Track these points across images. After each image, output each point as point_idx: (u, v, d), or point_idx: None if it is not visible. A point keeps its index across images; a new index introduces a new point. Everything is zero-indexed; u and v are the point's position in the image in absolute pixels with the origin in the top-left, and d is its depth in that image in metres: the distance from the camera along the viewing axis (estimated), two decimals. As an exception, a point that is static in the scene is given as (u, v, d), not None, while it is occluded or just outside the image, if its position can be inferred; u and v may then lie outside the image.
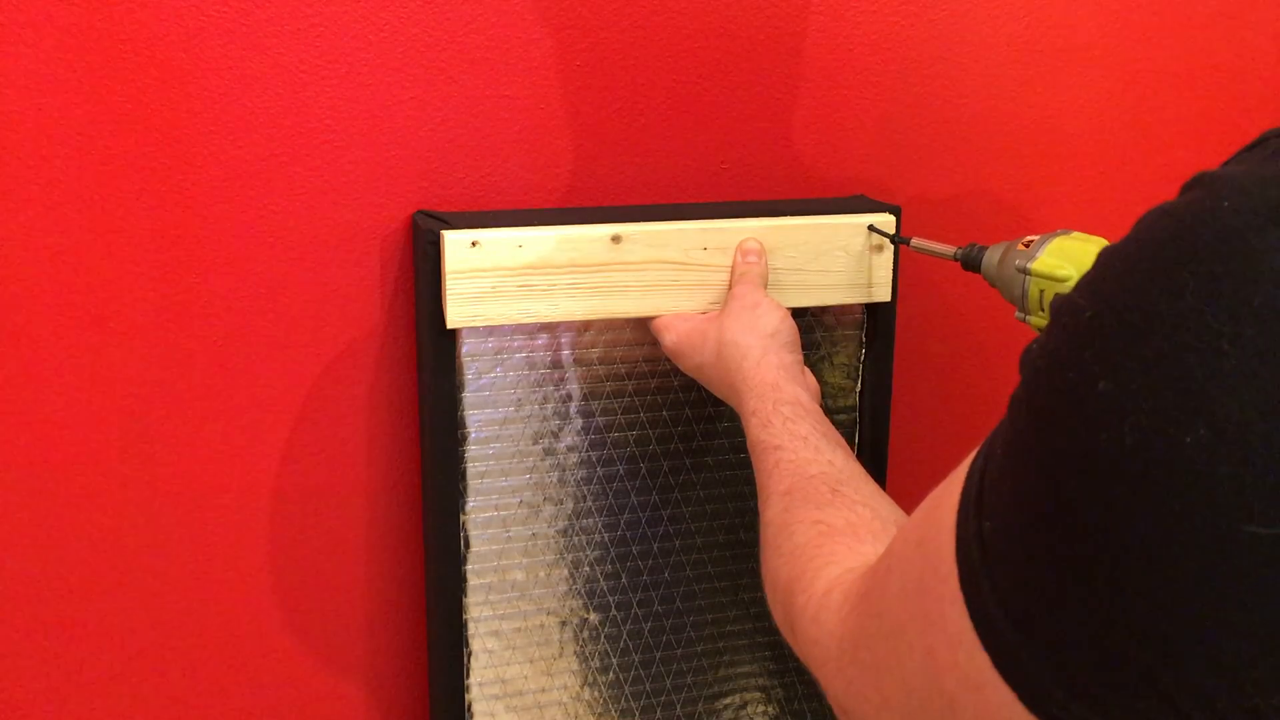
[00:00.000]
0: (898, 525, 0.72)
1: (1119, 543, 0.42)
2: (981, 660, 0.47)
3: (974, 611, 0.47)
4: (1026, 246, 0.85)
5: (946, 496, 0.51)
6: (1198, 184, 0.43)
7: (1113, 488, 0.41)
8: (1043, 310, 0.84)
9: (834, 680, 0.61)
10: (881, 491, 0.77)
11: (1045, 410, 0.45)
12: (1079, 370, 0.43)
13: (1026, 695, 0.45)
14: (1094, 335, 0.43)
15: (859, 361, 1.05)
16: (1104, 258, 0.45)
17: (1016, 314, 0.87)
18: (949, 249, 0.92)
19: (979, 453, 0.50)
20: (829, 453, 0.80)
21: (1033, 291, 0.84)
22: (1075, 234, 0.85)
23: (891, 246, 1.00)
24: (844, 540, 0.69)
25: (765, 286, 0.96)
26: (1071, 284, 0.81)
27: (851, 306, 1.03)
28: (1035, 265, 0.84)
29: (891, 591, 0.55)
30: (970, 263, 0.90)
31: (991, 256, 0.88)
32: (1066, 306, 0.45)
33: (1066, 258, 0.83)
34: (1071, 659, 0.44)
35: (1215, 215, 0.41)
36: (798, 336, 0.91)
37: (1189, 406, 0.40)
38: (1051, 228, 0.91)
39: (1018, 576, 0.45)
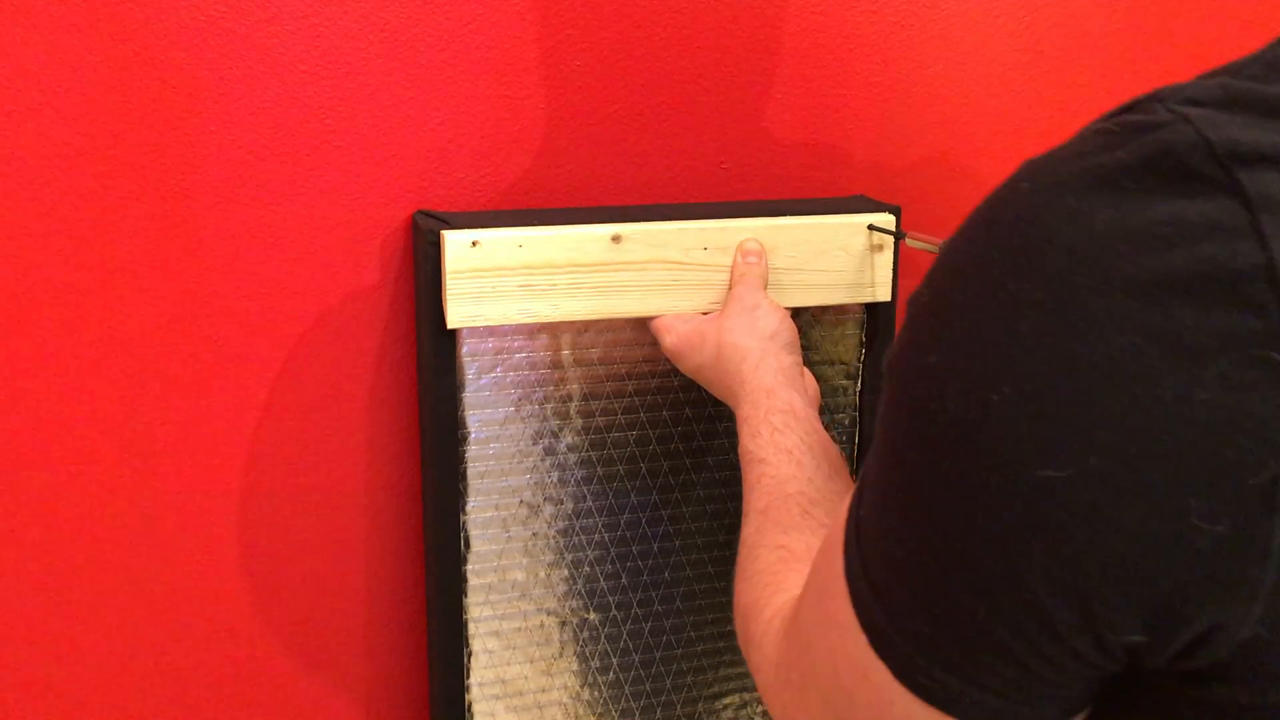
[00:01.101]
0: None
1: (946, 501, 0.45)
2: (863, 644, 0.50)
3: (853, 596, 0.51)
4: None
5: (844, 507, 0.54)
6: (1019, 171, 0.47)
7: (940, 451, 0.45)
8: None
9: (772, 704, 0.63)
10: None
11: (894, 391, 0.49)
12: (915, 349, 0.47)
13: (895, 667, 0.49)
14: (926, 316, 0.48)
15: (859, 361, 1.05)
16: (942, 249, 0.50)
17: None
18: (936, 244, 0.92)
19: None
20: (811, 469, 0.80)
21: None
22: None
23: (892, 246, 1.00)
24: (799, 567, 0.70)
25: (765, 287, 0.96)
26: None
27: (851, 306, 1.03)
28: None
29: (806, 607, 0.57)
30: None
31: None
32: (912, 296, 0.49)
33: None
34: (922, 622, 0.47)
35: (1018, 196, 0.45)
36: (797, 338, 0.91)
37: (995, 368, 0.43)
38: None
39: (878, 551, 0.49)
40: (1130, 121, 0.45)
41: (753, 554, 0.74)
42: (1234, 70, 0.45)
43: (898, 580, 0.48)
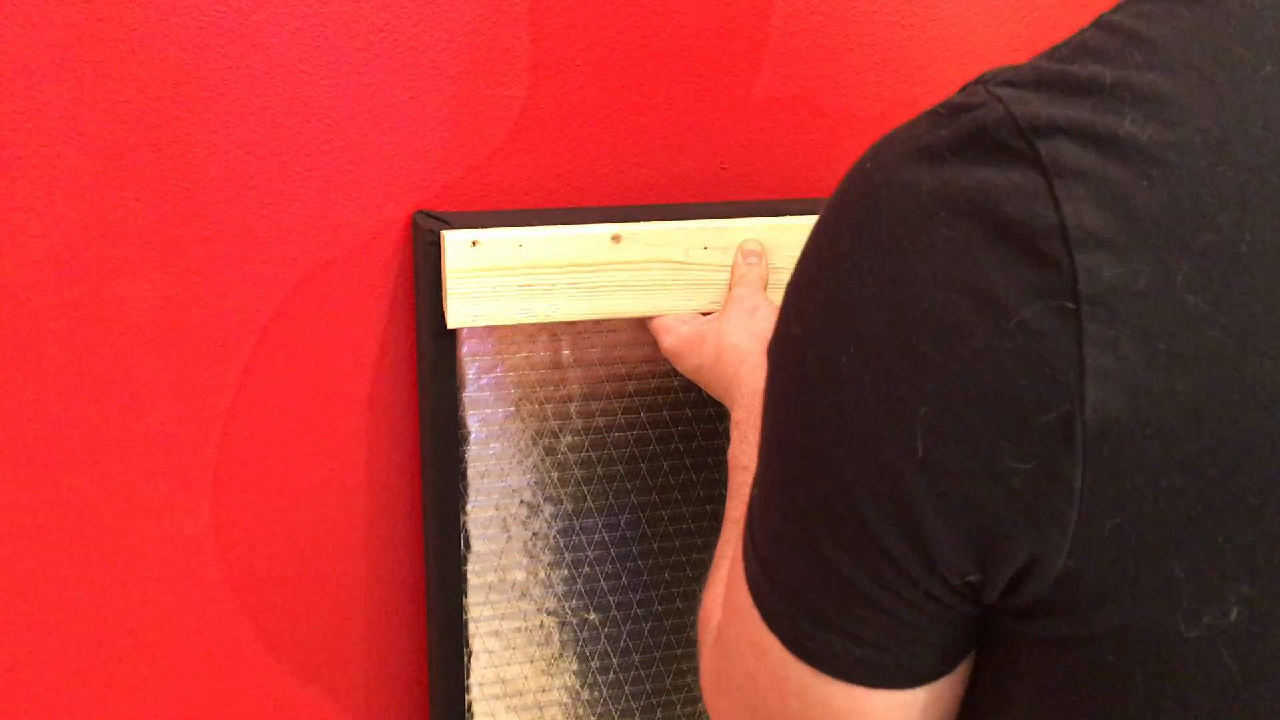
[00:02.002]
0: None
1: (807, 462, 0.49)
2: (756, 620, 0.53)
3: (747, 576, 0.53)
4: None
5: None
6: (871, 149, 0.52)
7: (804, 414, 0.49)
8: None
9: (712, 712, 0.64)
10: None
11: (770, 369, 0.52)
12: (783, 323, 0.51)
13: (784, 635, 0.51)
14: (792, 292, 0.52)
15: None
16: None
17: None
18: None
19: None
20: None
21: None
22: None
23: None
24: None
25: (765, 288, 0.96)
26: None
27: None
28: None
29: (726, 606, 0.59)
30: None
31: None
32: (789, 280, 0.53)
33: None
34: (800, 585, 0.50)
35: (862, 175, 0.50)
36: None
37: (843, 331, 0.47)
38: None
39: (763, 525, 0.52)
40: (955, 104, 0.49)
41: (719, 564, 0.75)
42: (1049, 53, 0.50)
43: (778, 550, 0.51)
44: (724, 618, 0.59)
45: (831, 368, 0.47)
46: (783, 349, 0.51)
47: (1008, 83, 0.47)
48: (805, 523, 0.49)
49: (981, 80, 0.49)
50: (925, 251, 0.45)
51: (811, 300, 0.49)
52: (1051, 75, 0.47)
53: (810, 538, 0.49)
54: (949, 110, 0.49)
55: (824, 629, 0.50)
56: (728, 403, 0.89)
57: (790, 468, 0.50)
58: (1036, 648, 0.48)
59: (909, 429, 0.45)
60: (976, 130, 0.46)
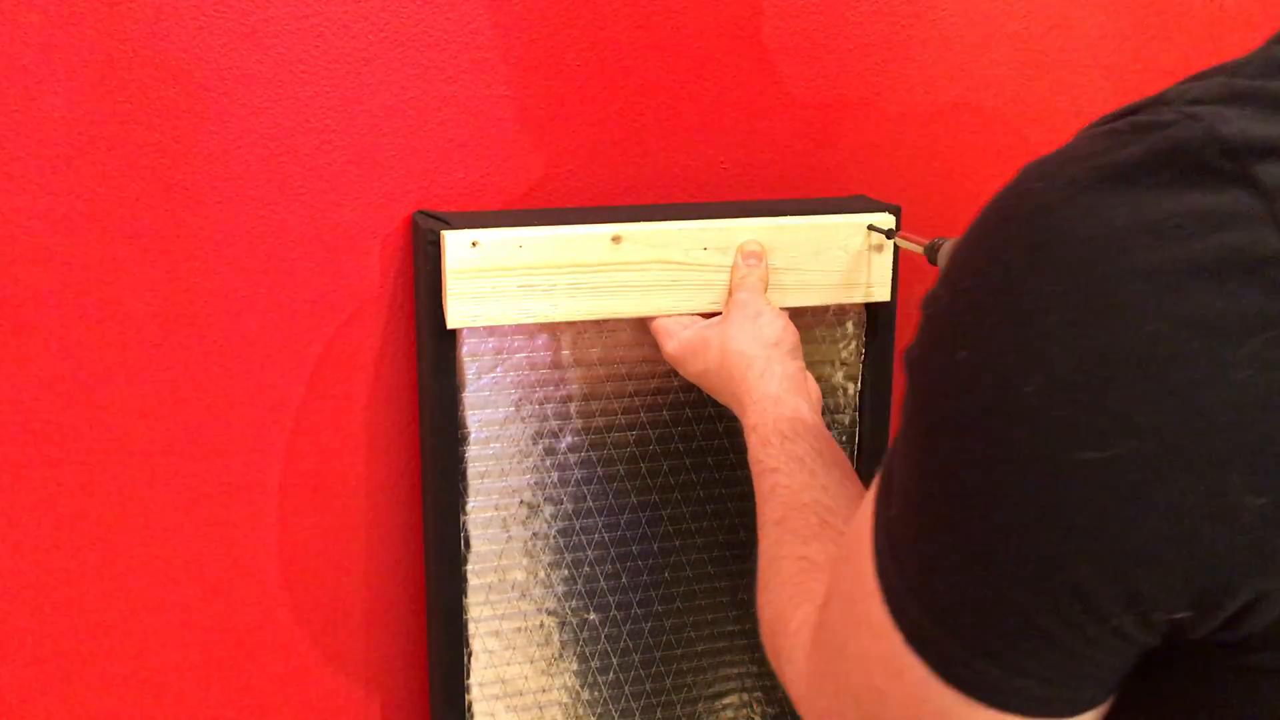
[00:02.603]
0: None
1: (985, 494, 0.46)
2: (896, 642, 0.51)
3: (886, 596, 0.51)
4: None
5: (863, 511, 0.55)
6: (1024, 171, 0.49)
7: (976, 445, 0.47)
8: None
9: (808, 716, 0.63)
10: None
11: (922, 391, 0.50)
12: (942, 349, 0.49)
13: (935, 662, 0.50)
14: (950, 316, 0.49)
15: (859, 361, 1.05)
16: (953, 252, 0.51)
17: None
18: (921, 243, 0.92)
19: (885, 456, 0.55)
20: (824, 476, 0.80)
21: None
22: None
23: (891, 246, 1.00)
24: (822, 576, 0.70)
25: (766, 289, 0.96)
26: None
27: (851, 306, 1.03)
28: None
29: (832, 614, 0.58)
30: (932, 255, 0.90)
31: (944, 248, 0.89)
32: (928, 298, 0.51)
33: None
34: (962, 615, 0.48)
35: (1028, 195, 0.47)
36: (800, 344, 0.91)
37: (1026, 360, 0.45)
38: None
39: (915, 550, 0.50)
40: (1139, 122, 0.46)
41: (774, 566, 0.74)
42: (1231, 70, 0.47)
43: (936, 576, 0.49)
44: (835, 624, 0.57)
45: (1013, 398, 0.45)
46: (942, 374, 0.49)
47: (1197, 100, 0.45)
48: (979, 556, 0.47)
49: (1163, 99, 0.47)
50: (1125, 279, 0.43)
51: (980, 325, 0.47)
52: (1248, 92, 0.45)
53: (982, 571, 0.47)
54: (1133, 129, 0.46)
55: (983, 658, 0.48)
56: (736, 408, 0.89)
57: (958, 497, 0.48)
58: (1243, 678, 0.47)
59: (1114, 462, 0.43)
60: (1173, 149, 0.44)
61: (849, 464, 0.83)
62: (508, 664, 1.00)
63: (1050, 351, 0.44)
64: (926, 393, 0.50)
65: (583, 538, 1.01)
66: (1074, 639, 0.46)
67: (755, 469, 0.83)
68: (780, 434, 0.83)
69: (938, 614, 0.49)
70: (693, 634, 1.05)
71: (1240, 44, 1.21)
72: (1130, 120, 0.47)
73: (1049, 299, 0.45)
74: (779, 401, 0.85)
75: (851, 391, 1.06)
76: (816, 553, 0.73)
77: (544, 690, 1.02)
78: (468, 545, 0.97)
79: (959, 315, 0.49)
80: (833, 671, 0.58)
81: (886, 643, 0.51)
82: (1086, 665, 0.47)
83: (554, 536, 1.00)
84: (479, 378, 0.95)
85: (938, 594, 0.49)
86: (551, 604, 1.01)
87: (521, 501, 0.98)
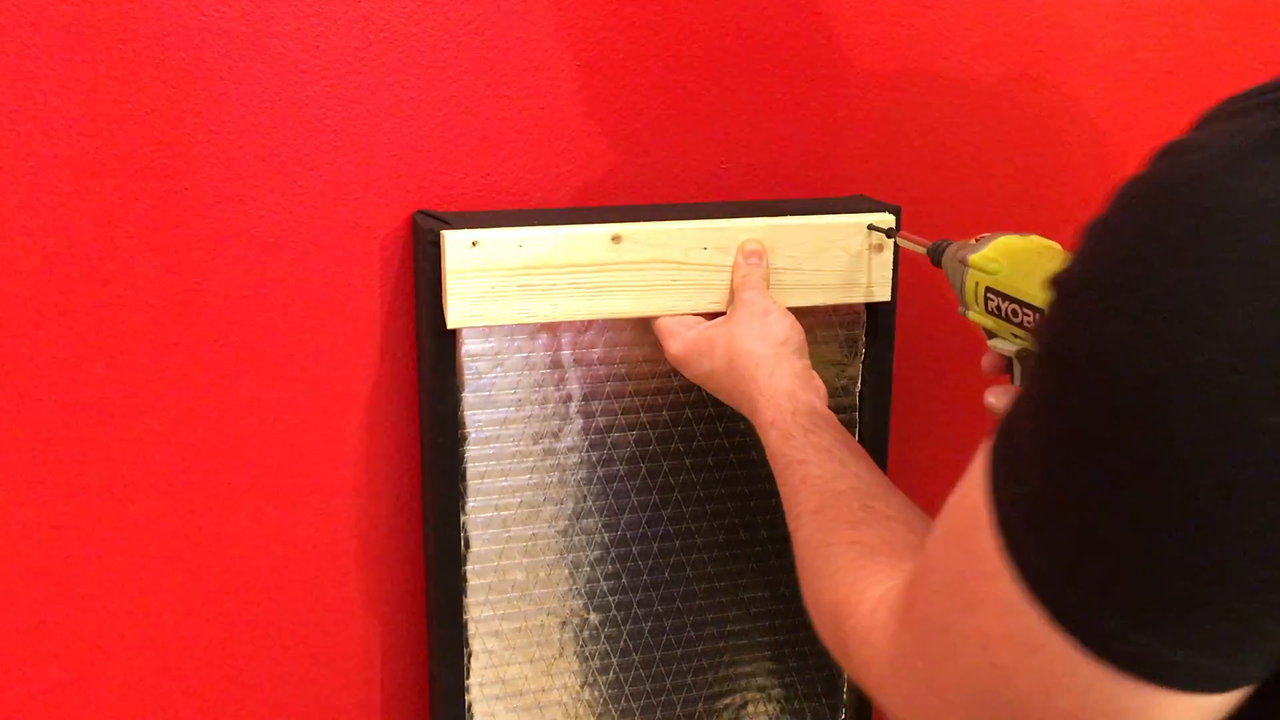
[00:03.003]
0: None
1: (1154, 468, 0.46)
2: (1033, 619, 0.50)
3: (1023, 573, 0.50)
4: (977, 241, 0.86)
5: (970, 488, 0.54)
6: (1166, 152, 0.49)
7: (1141, 419, 0.46)
8: (977, 304, 0.85)
9: (893, 697, 0.62)
10: (909, 501, 0.78)
11: (1066, 367, 0.49)
12: (1090, 324, 0.48)
13: (1086, 637, 0.49)
14: (1100, 290, 0.48)
15: (859, 361, 1.05)
16: (1089, 230, 0.50)
17: (959, 309, 0.88)
18: (924, 244, 0.92)
19: (997, 435, 0.53)
20: (854, 465, 0.80)
21: (969, 283, 0.85)
22: (1029, 235, 0.86)
23: (892, 246, 1.00)
24: (883, 559, 0.70)
25: (768, 288, 0.96)
26: (1001, 278, 0.82)
27: (851, 306, 1.03)
28: (974, 257, 0.84)
29: (933, 592, 0.57)
30: (935, 257, 0.90)
31: (948, 250, 0.89)
32: (1065, 275, 0.50)
33: (1003, 253, 0.84)
34: (1127, 590, 0.47)
35: (1187, 165, 0.47)
36: (805, 342, 0.91)
37: (1198, 328, 0.44)
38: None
39: (1064, 525, 0.49)
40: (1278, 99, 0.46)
41: (824, 553, 0.74)
42: None
43: (1098, 549, 0.48)
44: (936, 604, 0.57)
45: (1185, 369, 0.44)
46: (1097, 348, 0.47)
47: None
48: (1149, 527, 0.46)
49: None
50: None
51: (1137, 299, 0.46)
52: None
53: (1156, 542, 0.46)
54: (1276, 105, 0.46)
55: (1146, 633, 0.47)
56: (746, 407, 0.89)
57: (1126, 470, 0.47)
58: None
59: None
60: None
61: (868, 454, 0.83)
62: (508, 664, 1.00)
63: (1227, 318, 0.44)
64: (1073, 369, 0.49)
65: (583, 538, 1.01)
66: (1254, 609, 0.46)
67: (779, 463, 0.83)
68: (802, 427, 0.83)
69: (1093, 589, 0.48)
70: (693, 634, 1.05)
71: (1242, 43, 1.21)
72: (1269, 98, 0.47)
73: (1221, 264, 0.44)
74: (794, 397, 0.85)
75: (852, 391, 1.06)
76: (869, 537, 0.73)
77: (544, 690, 1.02)
78: (468, 545, 0.97)
79: (1111, 288, 0.47)
80: (932, 652, 0.57)
81: (1018, 620, 0.50)
82: (1259, 637, 0.47)
83: (554, 536, 1.00)
84: (479, 378, 0.95)
85: (1095, 569, 0.48)
86: (551, 604, 1.01)
87: (521, 501, 0.98)
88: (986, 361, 0.89)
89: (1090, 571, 0.48)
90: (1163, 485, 0.46)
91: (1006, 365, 0.87)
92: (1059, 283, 0.50)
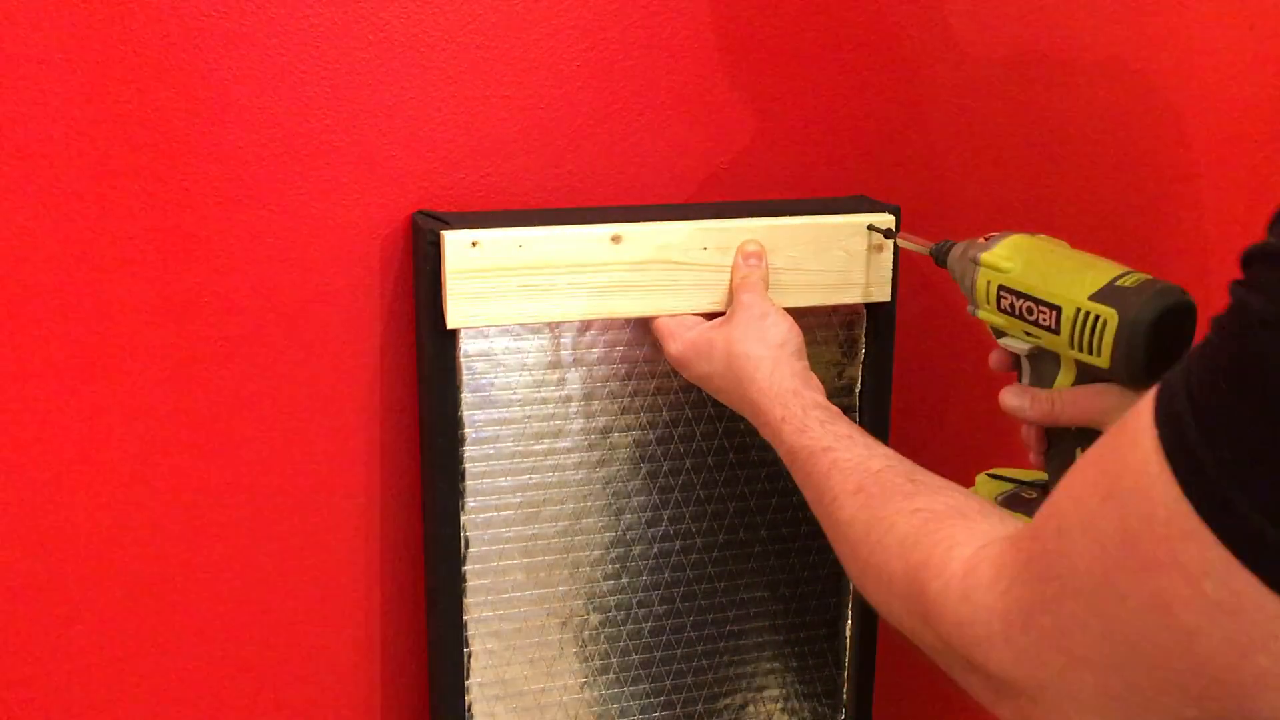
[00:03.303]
0: (985, 503, 0.73)
1: None
2: (1241, 581, 0.49)
3: (1229, 536, 0.50)
4: (986, 240, 0.86)
5: (1129, 451, 0.54)
6: None
7: None
8: (988, 302, 0.85)
9: (1000, 652, 0.61)
10: (944, 479, 0.78)
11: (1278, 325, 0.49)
12: None
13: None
14: None
15: (859, 361, 1.05)
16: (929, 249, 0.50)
17: (968, 308, 0.88)
18: (926, 245, 0.92)
19: (1168, 398, 0.53)
20: (879, 447, 0.80)
21: (980, 282, 0.85)
22: (1038, 235, 0.86)
23: (892, 246, 1.00)
24: (956, 522, 0.69)
25: (767, 289, 0.96)
26: (1015, 276, 0.82)
27: (852, 306, 1.03)
28: (985, 256, 0.85)
29: (1078, 551, 0.56)
30: (940, 257, 0.90)
31: (955, 250, 0.89)
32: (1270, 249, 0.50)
33: (1016, 251, 0.84)
34: None
35: None
36: (804, 344, 0.91)
37: None
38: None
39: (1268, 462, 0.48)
40: None
41: (881, 525, 0.73)
42: None
43: None
44: (1081, 565, 0.56)
45: None
46: None
47: None
48: None
49: None
50: None
51: None
52: None
53: None
54: None
55: None
56: (745, 408, 0.89)
57: None
58: None
59: None
60: None
61: None
62: (508, 664, 1.00)
63: None
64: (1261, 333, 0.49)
65: (583, 538, 1.01)
66: None
67: (800, 456, 0.83)
68: (817, 419, 0.83)
69: None
70: (693, 634, 1.05)
71: (1241, 44, 1.21)
72: None
73: None
74: (799, 394, 0.86)
75: (852, 391, 1.06)
76: (931, 504, 0.72)
77: (544, 690, 1.02)
78: (468, 545, 0.97)
79: None
80: (1067, 610, 0.57)
81: (1214, 584, 0.50)
82: None
83: (554, 536, 1.00)
84: (479, 378, 0.95)
85: None
86: (551, 604, 1.01)
87: (521, 501, 0.98)
88: (995, 359, 0.89)
89: None
90: None
91: (1014, 363, 0.87)
92: (1270, 248, 0.50)
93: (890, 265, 1.01)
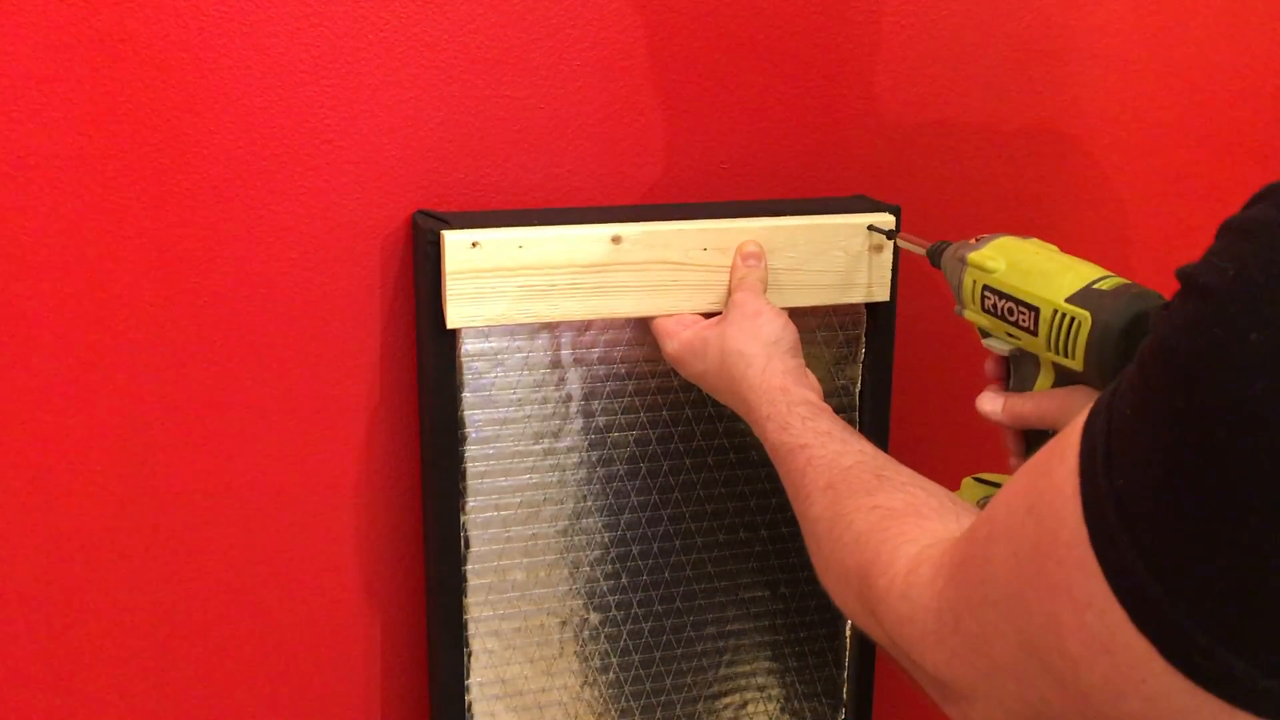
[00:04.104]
0: (951, 501, 0.73)
1: (1276, 487, 0.43)
2: (1114, 619, 0.48)
3: (1110, 570, 0.48)
4: (976, 241, 0.86)
5: (1058, 465, 0.52)
6: None
7: (1267, 434, 0.43)
8: (973, 302, 0.85)
9: (934, 652, 0.61)
10: (917, 473, 0.78)
11: (1189, 365, 0.46)
12: (1225, 325, 0.45)
13: (1168, 646, 0.47)
14: (1241, 291, 0.45)
15: (859, 361, 1.05)
16: (1238, 225, 0.47)
17: (955, 308, 0.88)
18: (924, 245, 0.92)
19: (1093, 418, 0.51)
20: (856, 443, 0.81)
21: (966, 281, 0.85)
22: (1029, 239, 0.86)
23: (892, 246, 1.00)
24: (910, 520, 0.70)
25: (765, 289, 0.96)
26: (999, 276, 0.82)
27: (851, 306, 1.03)
28: (972, 255, 0.85)
29: (999, 560, 0.56)
30: (934, 258, 0.91)
31: (947, 251, 0.89)
32: (1202, 269, 0.47)
33: (1002, 252, 0.84)
34: (1220, 604, 0.45)
35: None
36: (799, 341, 0.91)
37: None
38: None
39: (1162, 528, 0.47)
40: None
41: (842, 521, 0.74)
42: None
43: (1198, 559, 0.46)
44: (1003, 575, 0.55)
45: None
46: (1220, 354, 0.45)
47: None
48: (1247, 543, 0.44)
49: None
50: None
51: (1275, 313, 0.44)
52: None
53: (1262, 565, 0.44)
54: None
55: (1236, 652, 0.45)
56: (740, 406, 0.89)
57: (1237, 483, 0.44)
58: None
59: None
60: None
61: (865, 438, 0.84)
62: (508, 664, 1.00)
63: None
64: (1197, 370, 0.46)
65: (583, 538, 1.01)
66: None
67: (780, 452, 0.83)
68: (799, 416, 0.84)
69: (1183, 599, 0.46)
70: (693, 634, 1.05)
71: (1241, 44, 1.21)
72: None
73: None
74: (787, 390, 0.86)
75: (852, 391, 1.06)
76: (889, 501, 0.72)
77: (544, 690, 1.02)
78: (468, 545, 0.97)
79: (1256, 292, 0.45)
80: (988, 617, 0.56)
81: (1097, 616, 0.49)
82: None
83: (554, 536, 1.00)
84: (479, 378, 0.95)
85: (1191, 580, 0.46)
86: (551, 604, 1.01)
87: (521, 501, 0.98)
88: (989, 365, 0.89)
89: (1184, 580, 0.46)
90: (1276, 504, 0.43)
91: (1003, 366, 0.87)
92: (1193, 275, 0.47)
93: (890, 265, 1.01)
